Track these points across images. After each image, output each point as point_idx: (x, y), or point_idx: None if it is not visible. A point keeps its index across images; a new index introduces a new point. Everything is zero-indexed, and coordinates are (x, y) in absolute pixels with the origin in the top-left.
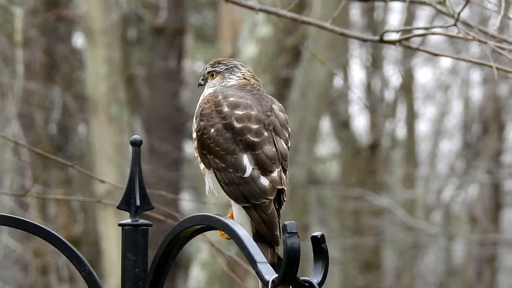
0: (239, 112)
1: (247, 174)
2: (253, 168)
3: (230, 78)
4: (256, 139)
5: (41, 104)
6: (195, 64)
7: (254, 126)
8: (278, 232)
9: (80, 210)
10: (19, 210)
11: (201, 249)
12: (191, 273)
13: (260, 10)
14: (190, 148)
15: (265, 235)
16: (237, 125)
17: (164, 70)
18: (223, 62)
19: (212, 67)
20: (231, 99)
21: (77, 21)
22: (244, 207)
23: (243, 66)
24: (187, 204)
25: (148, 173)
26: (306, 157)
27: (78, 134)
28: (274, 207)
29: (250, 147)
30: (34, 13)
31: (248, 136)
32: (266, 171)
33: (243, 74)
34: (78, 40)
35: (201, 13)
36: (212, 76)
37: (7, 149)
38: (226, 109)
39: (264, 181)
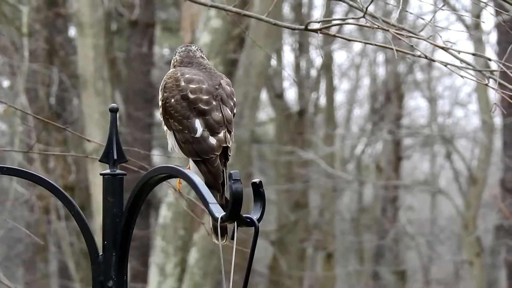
0: (193, 86)
1: (198, 135)
2: (203, 130)
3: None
4: (206, 107)
5: (43, 81)
6: (162, 50)
7: (205, 97)
8: (221, 181)
9: (73, 164)
10: (26, 164)
11: (168, 194)
12: (160, 212)
13: (212, 6)
14: (158, 115)
15: (211, 183)
16: (191, 96)
17: (139, 54)
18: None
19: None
20: (187, 75)
21: (71, 17)
22: (195, 161)
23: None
24: (157, 158)
25: (126, 134)
26: (249, 121)
27: (72, 105)
28: (219, 162)
29: (202, 113)
30: (37, 10)
31: (200, 105)
32: (214, 132)
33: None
34: (72, 31)
35: (167, 10)
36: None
37: (16, 116)
38: (183, 83)
39: (212, 140)
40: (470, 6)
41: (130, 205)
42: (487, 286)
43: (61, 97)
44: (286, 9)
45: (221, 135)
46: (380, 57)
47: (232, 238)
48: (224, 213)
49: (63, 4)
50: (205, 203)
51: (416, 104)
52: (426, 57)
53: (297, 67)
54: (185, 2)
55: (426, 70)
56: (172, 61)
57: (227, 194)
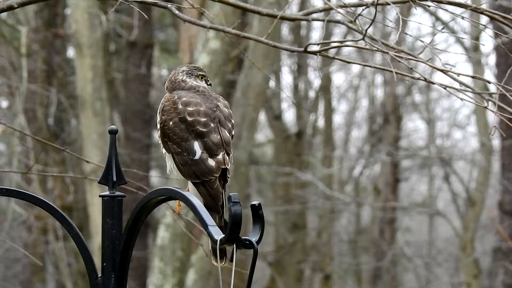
0: (190, 108)
1: (197, 157)
2: (202, 152)
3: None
4: (204, 129)
5: (41, 102)
6: (161, 71)
7: (203, 119)
8: (221, 203)
9: (71, 184)
10: (24, 185)
11: (166, 215)
12: (158, 233)
13: (211, 28)
14: (156, 136)
15: (210, 205)
16: (189, 118)
17: (137, 75)
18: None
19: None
20: (184, 99)
21: (69, 38)
22: (194, 183)
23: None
24: (155, 180)
25: (124, 155)
26: (247, 142)
27: (70, 125)
28: (219, 183)
29: (200, 136)
30: (36, 31)
31: (198, 127)
32: (212, 154)
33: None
34: (70, 52)
35: (165, 31)
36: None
37: (15, 137)
38: (180, 106)
39: (211, 162)
40: (469, 29)
41: (129, 226)
42: None
43: (59, 117)
44: (285, 31)
45: (219, 157)
46: (379, 79)
47: (231, 260)
48: (223, 235)
49: (62, 24)
50: (204, 225)
51: (414, 126)
52: (425, 80)
53: (295, 89)
54: (184, 24)
55: (425, 92)
56: (166, 84)
57: (226, 216)
